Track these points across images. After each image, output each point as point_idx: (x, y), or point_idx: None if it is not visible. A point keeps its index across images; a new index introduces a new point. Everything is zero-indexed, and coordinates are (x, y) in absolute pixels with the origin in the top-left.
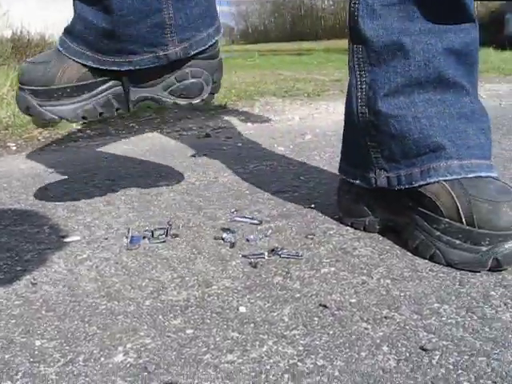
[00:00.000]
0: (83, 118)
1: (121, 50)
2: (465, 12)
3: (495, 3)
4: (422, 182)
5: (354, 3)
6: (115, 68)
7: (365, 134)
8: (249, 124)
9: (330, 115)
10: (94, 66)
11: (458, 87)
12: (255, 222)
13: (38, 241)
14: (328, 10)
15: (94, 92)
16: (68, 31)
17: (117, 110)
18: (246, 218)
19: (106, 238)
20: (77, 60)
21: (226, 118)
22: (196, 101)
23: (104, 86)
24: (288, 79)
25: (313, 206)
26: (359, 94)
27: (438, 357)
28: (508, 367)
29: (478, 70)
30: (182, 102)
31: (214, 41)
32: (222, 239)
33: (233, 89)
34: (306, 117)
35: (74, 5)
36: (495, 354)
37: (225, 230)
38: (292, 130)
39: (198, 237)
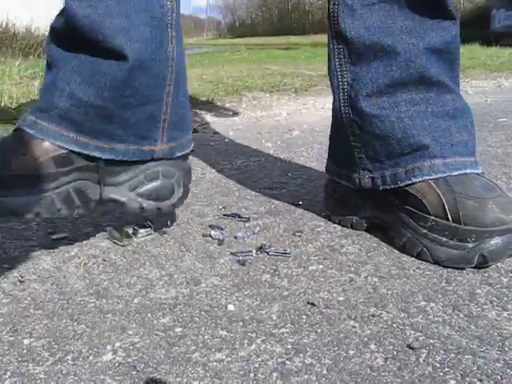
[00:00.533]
0: (37, 214)
1: (108, 134)
2: (445, 10)
3: None
4: (407, 182)
5: (334, 4)
6: (97, 154)
7: (349, 133)
8: (236, 119)
9: (318, 111)
10: (75, 149)
11: (441, 85)
12: (243, 219)
13: (25, 238)
14: (315, 4)
15: (55, 184)
16: (42, 110)
17: (77, 207)
18: (233, 215)
19: (94, 235)
20: (54, 142)
21: (214, 113)
22: (165, 205)
23: (67, 178)
24: (275, 74)
25: (300, 203)
26: (341, 94)
27: (424, 355)
28: (494, 365)
29: (459, 66)
30: (149, 205)
31: (192, 146)
32: (210, 236)
33: (220, 84)
34: (293, 112)
35: (53, 82)
36: (481, 351)
37: (213, 227)
38: (279, 125)
39: (186, 234)
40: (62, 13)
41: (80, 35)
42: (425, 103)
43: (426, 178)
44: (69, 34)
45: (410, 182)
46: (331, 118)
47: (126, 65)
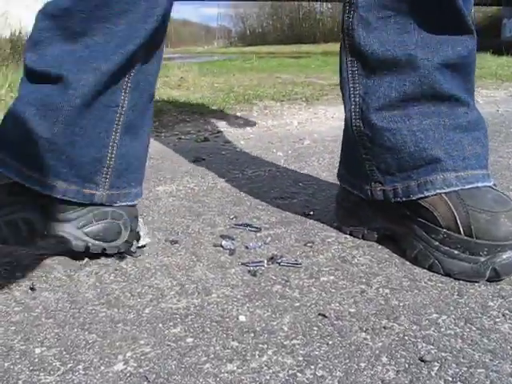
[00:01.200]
0: None
1: (52, 170)
2: (462, 23)
3: (492, 8)
4: (419, 195)
5: (348, 16)
6: (37, 189)
7: (360, 146)
8: (247, 128)
9: (329, 120)
10: (16, 179)
11: (453, 100)
12: (254, 229)
13: (36, 246)
14: (326, 13)
15: (3, 211)
16: None
17: (24, 238)
18: (245, 224)
19: None
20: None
21: (225, 121)
22: (111, 246)
23: (17, 207)
24: (286, 83)
25: (311, 213)
26: (353, 106)
27: (436, 368)
28: (507, 379)
29: (474, 79)
30: (94, 245)
31: (138, 200)
32: (222, 246)
33: (231, 92)
34: (304, 121)
35: (14, 109)
36: (494, 365)
37: (224, 236)
38: (290, 134)
39: (197, 243)
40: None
41: (38, 73)
42: (437, 116)
43: (439, 191)
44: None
45: (422, 195)
46: (343, 128)
47: (77, 102)
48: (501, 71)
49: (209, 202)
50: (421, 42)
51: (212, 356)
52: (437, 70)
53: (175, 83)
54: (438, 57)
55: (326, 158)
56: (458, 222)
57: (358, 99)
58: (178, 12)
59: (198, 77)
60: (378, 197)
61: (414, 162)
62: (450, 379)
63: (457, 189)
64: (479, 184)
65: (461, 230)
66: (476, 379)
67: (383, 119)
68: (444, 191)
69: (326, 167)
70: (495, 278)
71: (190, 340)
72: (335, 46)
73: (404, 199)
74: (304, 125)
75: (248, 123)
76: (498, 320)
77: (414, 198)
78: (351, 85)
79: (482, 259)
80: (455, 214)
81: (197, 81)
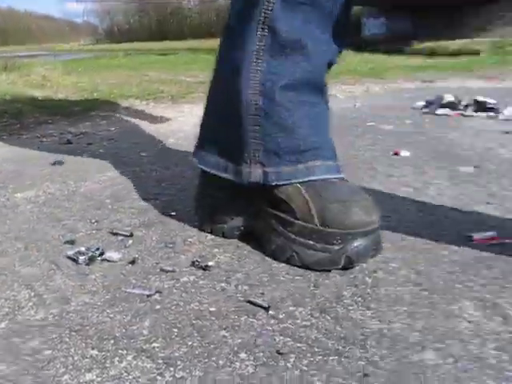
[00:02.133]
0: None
1: None
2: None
3: (354, 7)
4: (304, 179)
5: None
6: None
7: (250, 123)
8: (111, 129)
9: (194, 118)
10: None
11: (325, 94)
12: (115, 232)
13: None
14: (194, 9)
15: None
16: None
17: None
18: (106, 229)
19: None
20: None
21: (88, 123)
22: None
23: None
24: (153, 81)
25: (173, 213)
26: (252, 81)
27: (293, 359)
28: (356, 364)
29: None
30: None
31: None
32: (82, 253)
33: (95, 92)
34: (169, 120)
35: None
36: (346, 352)
37: (84, 242)
38: (155, 134)
39: (56, 251)
40: None
41: None
42: (317, 107)
43: (320, 177)
44: None
45: (306, 179)
46: (220, 105)
47: None
48: (359, 67)
49: (70, 207)
50: (319, 37)
51: (71, 367)
52: (325, 66)
53: (38, 82)
54: (327, 54)
55: (190, 156)
56: (313, 213)
57: (259, 74)
58: (39, 6)
59: (61, 76)
60: (257, 179)
61: (304, 146)
62: (306, 368)
63: (313, 178)
64: (336, 176)
65: (316, 220)
66: (329, 366)
67: (285, 97)
68: (303, 180)
69: (189, 166)
70: (349, 265)
71: (47, 352)
72: (203, 42)
73: (286, 182)
74: (169, 124)
75: (112, 123)
76: (350, 308)
77: (298, 181)
78: (254, 60)
79: (336, 248)
80: (310, 205)
81: (60, 80)
